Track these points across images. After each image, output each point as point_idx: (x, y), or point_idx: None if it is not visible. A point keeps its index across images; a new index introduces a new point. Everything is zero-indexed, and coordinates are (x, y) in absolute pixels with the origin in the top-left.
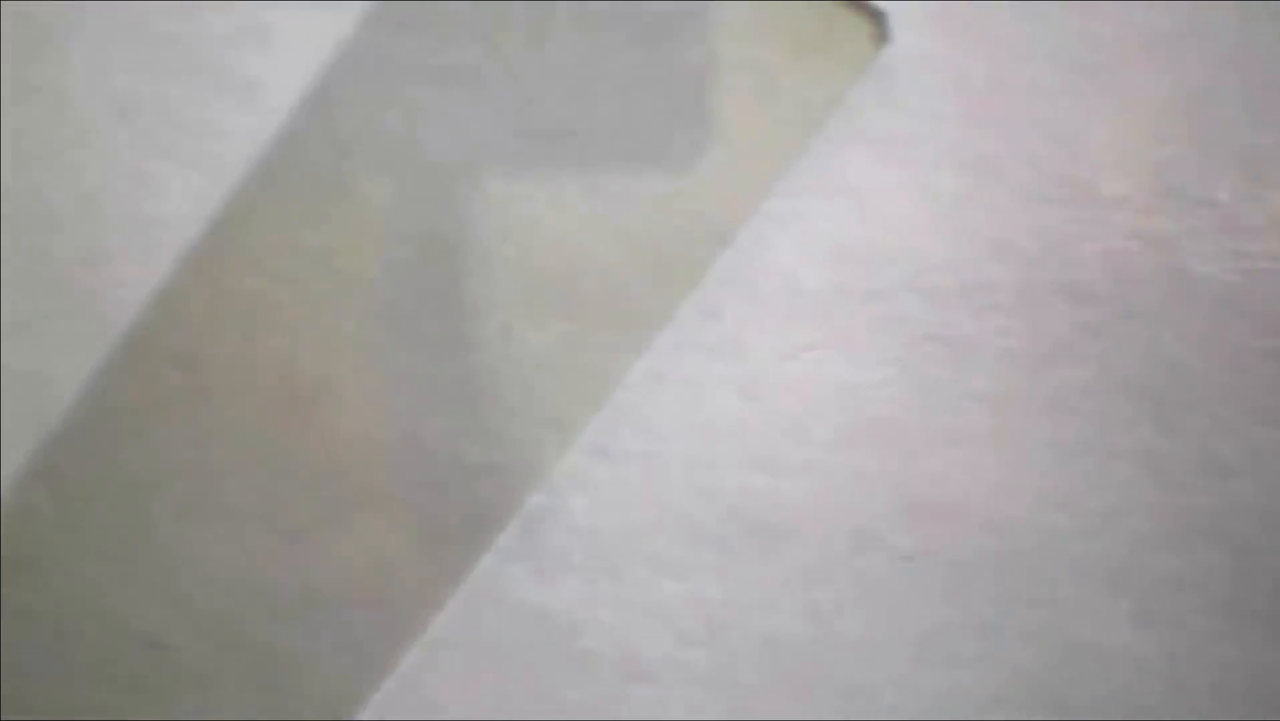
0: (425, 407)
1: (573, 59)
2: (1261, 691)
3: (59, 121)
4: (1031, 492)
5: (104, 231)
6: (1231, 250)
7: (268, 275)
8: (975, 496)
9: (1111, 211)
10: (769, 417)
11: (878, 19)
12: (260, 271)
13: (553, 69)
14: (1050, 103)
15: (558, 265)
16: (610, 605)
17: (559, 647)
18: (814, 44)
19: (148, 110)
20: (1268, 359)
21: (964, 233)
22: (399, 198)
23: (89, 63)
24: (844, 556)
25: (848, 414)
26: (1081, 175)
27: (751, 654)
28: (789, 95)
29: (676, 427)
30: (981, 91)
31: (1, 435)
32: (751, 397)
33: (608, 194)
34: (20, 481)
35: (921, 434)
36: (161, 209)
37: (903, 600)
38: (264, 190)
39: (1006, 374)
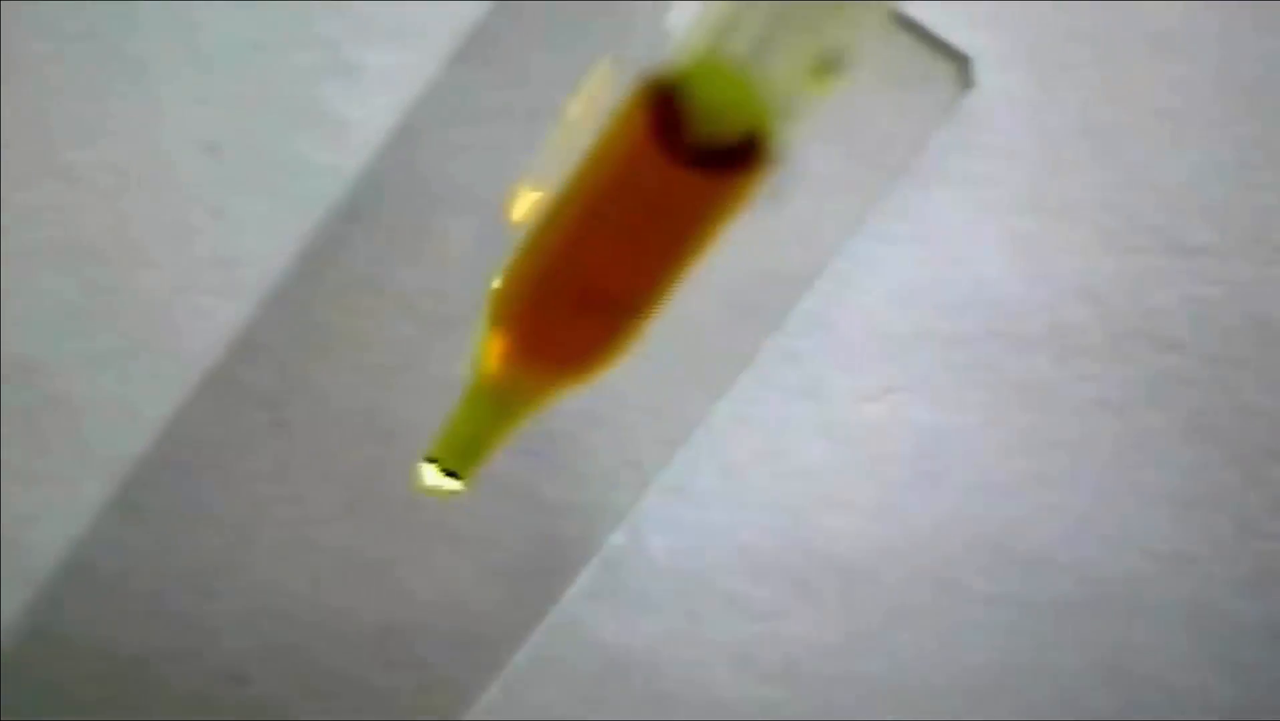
0: (505, 446)
1: None
2: None
3: (146, 156)
4: (1112, 537)
5: (189, 267)
6: None
7: (351, 313)
8: (1056, 540)
9: (1195, 258)
10: (849, 459)
11: (961, 62)
12: (344, 310)
13: None
14: (1133, 148)
15: None
16: (690, 645)
17: (639, 687)
18: (897, 85)
19: (234, 147)
20: None
21: (1046, 277)
22: (484, 238)
23: (176, 99)
24: (924, 599)
25: (928, 457)
26: (1164, 221)
27: (832, 694)
28: (871, 136)
29: (757, 468)
30: (1065, 135)
31: (86, 468)
32: (832, 439)
33: None
34: (104, 514)
35: (1003, 478)
36: (246, 245)
37: (983, 643)
38: (348, 228)
39: (1088, 419)
